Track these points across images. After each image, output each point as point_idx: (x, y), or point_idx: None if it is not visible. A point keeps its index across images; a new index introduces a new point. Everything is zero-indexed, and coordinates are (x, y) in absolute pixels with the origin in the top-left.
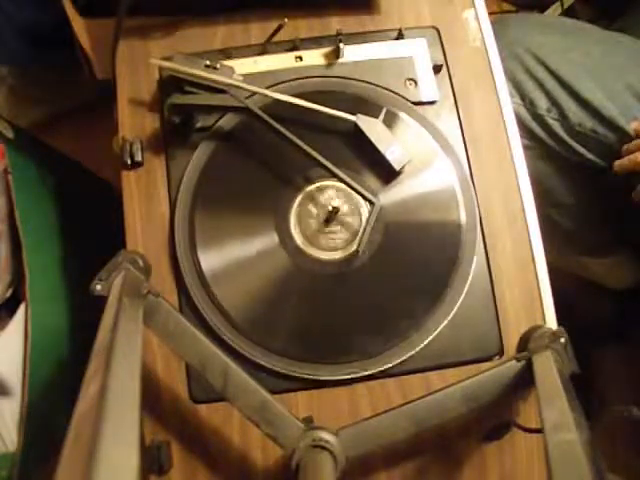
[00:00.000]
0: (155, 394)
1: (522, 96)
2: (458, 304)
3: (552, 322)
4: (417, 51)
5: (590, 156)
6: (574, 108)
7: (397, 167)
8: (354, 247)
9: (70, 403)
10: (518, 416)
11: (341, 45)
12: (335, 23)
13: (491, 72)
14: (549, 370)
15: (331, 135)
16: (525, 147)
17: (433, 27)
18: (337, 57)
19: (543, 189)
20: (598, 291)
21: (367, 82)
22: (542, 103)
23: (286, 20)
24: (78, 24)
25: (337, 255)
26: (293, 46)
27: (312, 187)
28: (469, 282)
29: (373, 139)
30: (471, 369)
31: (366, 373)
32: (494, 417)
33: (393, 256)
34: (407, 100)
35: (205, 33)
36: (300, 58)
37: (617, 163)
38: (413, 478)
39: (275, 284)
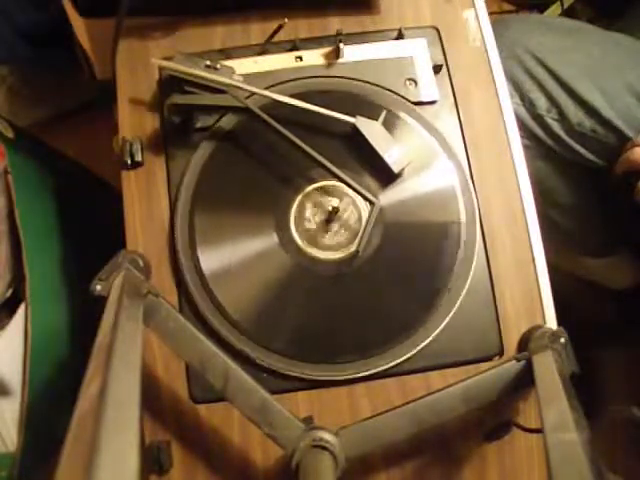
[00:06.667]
0: (155, 394)
1: (522, 96)
2: (458, 304)
3: (552, 322)
4: (417, 51)
5: (590, 156)
6: (573, 108)
7: (396, 170)
8: (354, 247)
9: (70, 403)
10: (518, 416)
11: (341, 45)
12: (335, 23)
13: (491, 72)
14: (549, 370)
15: (331, 135)
16: (525, 147)
17: (433, 27)
18: (337, 57)
19: (543, 189)
20: (598, 291)
21: (367, 82)
22: (542, 103)
23: (286, 20)
24: (78, 24)
25: (337, 255)
26: (293, 46)
27: (312, 187)
28: (469, 282)
29: (372, 142)
30: (471, 369)
31: (366, 373)
32: (494, 417)
33: (393, 256)
34: (407, 100)
35: (205, 33)
36: (300, 58)
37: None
38: (413, 478)
39: (275, 284)
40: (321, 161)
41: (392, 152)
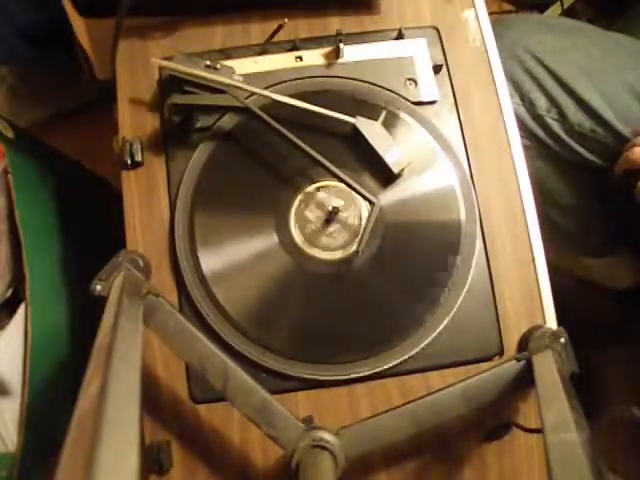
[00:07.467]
0: (155, 394)
1: (522, 96)
2: (458, 304)
3: (552, 322)
4: (417, 51)
5: (590, 156)
6: (573, 108)
7: (396, 170)
8: (354, 247)
9: (70, 403)
10: (518, 416)
11: (341, 45)
12: (335, 23)
13: (491, 72)
14: (549, 370)
15: (331, 135)
16: (525, 147)
17: (433, 27)
18: (337, 57)
19: (543, 189)
20: (598, 291)
21: (367, 82)
22: (541, 103)
23: (286, 20)
24: (78, 24)
25: (337, 255)
26: (293, 46)
27: (312, 187)
28: (469, 282)
29: (372, 142)
30: (471, 369)
31: (366, 373)
32: (494, 417)
33: (393, 256)
34: (407, 100)
35: (205, 33)
36: (300, 58)
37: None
38: (413, 478)
39: (275, 284)
40: (321, 161)
41: (392, 152)
